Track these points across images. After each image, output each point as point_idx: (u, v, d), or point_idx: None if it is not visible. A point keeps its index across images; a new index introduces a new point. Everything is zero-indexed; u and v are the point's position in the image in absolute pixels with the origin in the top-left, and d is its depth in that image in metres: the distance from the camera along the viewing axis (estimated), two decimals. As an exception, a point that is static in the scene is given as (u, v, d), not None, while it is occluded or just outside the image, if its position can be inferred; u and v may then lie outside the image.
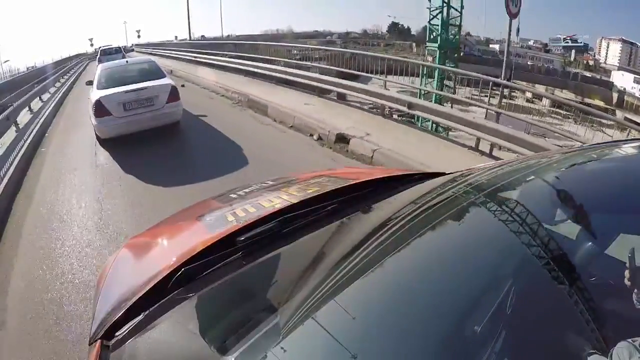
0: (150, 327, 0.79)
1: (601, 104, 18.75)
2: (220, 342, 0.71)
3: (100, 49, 18.77)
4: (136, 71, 5.84)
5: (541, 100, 17.40)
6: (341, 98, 6.98)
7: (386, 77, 6.54)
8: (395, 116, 6.67)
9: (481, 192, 1.06)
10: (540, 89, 19.55)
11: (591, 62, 24.08)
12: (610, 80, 21.73)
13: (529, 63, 26.13)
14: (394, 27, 34.38)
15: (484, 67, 21.13)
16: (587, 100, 18.60)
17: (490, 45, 29.25)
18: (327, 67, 8.17)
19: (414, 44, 31.33)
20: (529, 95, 16.47)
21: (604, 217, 0.85)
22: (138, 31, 42.05)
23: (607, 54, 23.56)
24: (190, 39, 28.25)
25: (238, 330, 0.71)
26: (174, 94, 5.40)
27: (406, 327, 0.66)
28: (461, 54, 28.14)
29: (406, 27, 33.90)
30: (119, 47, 18.77)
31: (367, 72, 7.09)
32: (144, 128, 5.23)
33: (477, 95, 8.68)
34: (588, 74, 23.10)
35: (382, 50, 29.25)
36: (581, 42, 25.26)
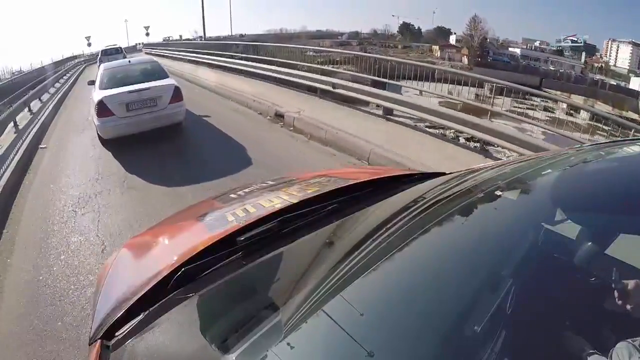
0: (150, 327, 0.79)
1: (635, 116, 16.92)
2: (221, 342, 0.71)
3: (102, 49, 18.97)
4: (139, 71, 5.78)
5: (579, 112, 14.59)
6: (388, 114, 6.04)
7: (423, 85, 5.92)
8: (461, 140, 5.60)
9: (481, 192, 1.06)
10: (577, 100, 17.87)
11: (601, 65, 23.32)
12: (631, 87, 20.74)
13: (551, 68, 24.99)
14: (405, 28, 32.75)
15: (514, 75, 19.43)
16: (623, 113, 16.64)
17: (510, 49, 27.47)
18: (382, 79, 6.54)
19: (437, 48, 29.70)
20: (563, 105, 14.77)
21: (604, 217, 0.85)
22: (147, 28, 33.18)
23: (617, 56, 23.00)
24: (204, 39, 23.40)
25: (238, 330, 0.71)
26: (177, 95, 5.35)
27: (406, 327, 0.66)
28: (488, 60, 26.48)
29: (417, 27, 32.30)
30: (120, 48, 18.94)
31: (399, 79, 6.34)
32: (147, 129, 5.18)
33: (521, 108, 7.70)
34: (613, 82, 21.96)
35: (401, 53, 27.96)
36: (581, 42, 24.90)
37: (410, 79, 6.39)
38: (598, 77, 23.07)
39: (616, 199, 0.85)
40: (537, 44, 26.83)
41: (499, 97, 5.25)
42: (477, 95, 5.98)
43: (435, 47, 30.00)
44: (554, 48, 26.08)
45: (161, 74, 5.78)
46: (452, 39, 29.97)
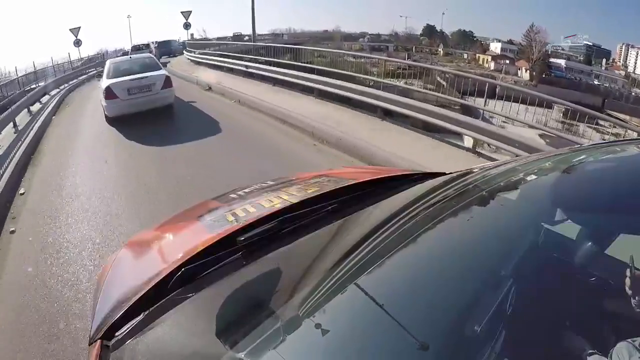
0: (150, 327, 0.79)
1: None
2: (221, 343, 0.71)
3: (132, 45, 24.11)
4: (138, 65, 7.16)
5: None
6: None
7: (501, 108, 4.75)
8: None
9: (481, 192, 1.06)
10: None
11: (622, 72, 21.32)
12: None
13: (596, 82, 21.99)
14: (430, 30, 29.00)
15: (575, 94, 16.88)
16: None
17: (551, 59, 23.55)
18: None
19: (489, 58, 24.50)
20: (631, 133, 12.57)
21: (604, 217, 0.85)
22: (186, 15, 18.18)
23: (636, 62, 21.22)
24: (254, 40, 13.34)
25: (238, 330, 0.71)
26: (167, 82, 6.81)
27: (407, 327, 0.66)
28: (551, 75, 22.42)
29: (439, 30, 28.46)
30: (147, 44, 24.49)
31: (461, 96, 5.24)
32: (144, 109, 6.51)
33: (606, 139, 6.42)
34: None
35: (447, 62, 24.84)
36: (581, 43, 24.30)
37: (471, 95, 5.55)
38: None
39: (616, 199, 0.84)
40: (549, 47, 24.18)
41: (574, 122, 4.13)
42: (562, 122, 4.92)
43: (486, 57, 25.30)
44: (569, 51, 23.66)
45: (155, 66, 7.19)
46: (495, 47, 25.45)
